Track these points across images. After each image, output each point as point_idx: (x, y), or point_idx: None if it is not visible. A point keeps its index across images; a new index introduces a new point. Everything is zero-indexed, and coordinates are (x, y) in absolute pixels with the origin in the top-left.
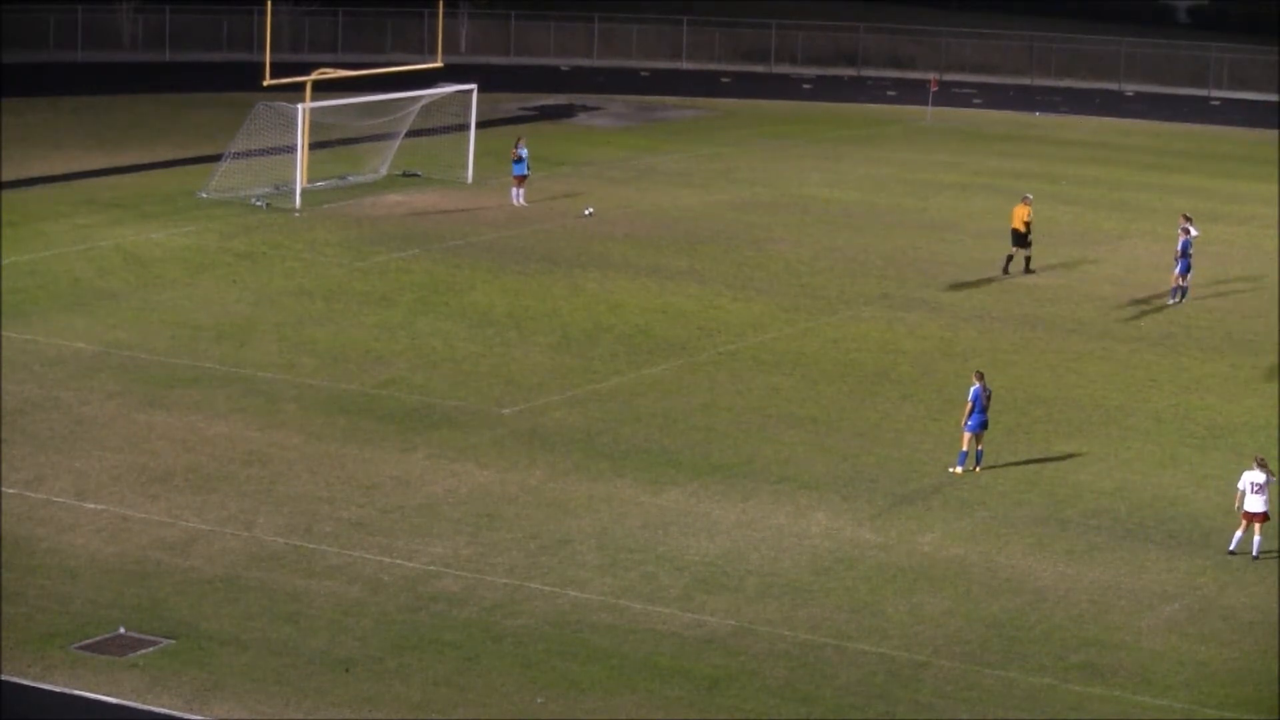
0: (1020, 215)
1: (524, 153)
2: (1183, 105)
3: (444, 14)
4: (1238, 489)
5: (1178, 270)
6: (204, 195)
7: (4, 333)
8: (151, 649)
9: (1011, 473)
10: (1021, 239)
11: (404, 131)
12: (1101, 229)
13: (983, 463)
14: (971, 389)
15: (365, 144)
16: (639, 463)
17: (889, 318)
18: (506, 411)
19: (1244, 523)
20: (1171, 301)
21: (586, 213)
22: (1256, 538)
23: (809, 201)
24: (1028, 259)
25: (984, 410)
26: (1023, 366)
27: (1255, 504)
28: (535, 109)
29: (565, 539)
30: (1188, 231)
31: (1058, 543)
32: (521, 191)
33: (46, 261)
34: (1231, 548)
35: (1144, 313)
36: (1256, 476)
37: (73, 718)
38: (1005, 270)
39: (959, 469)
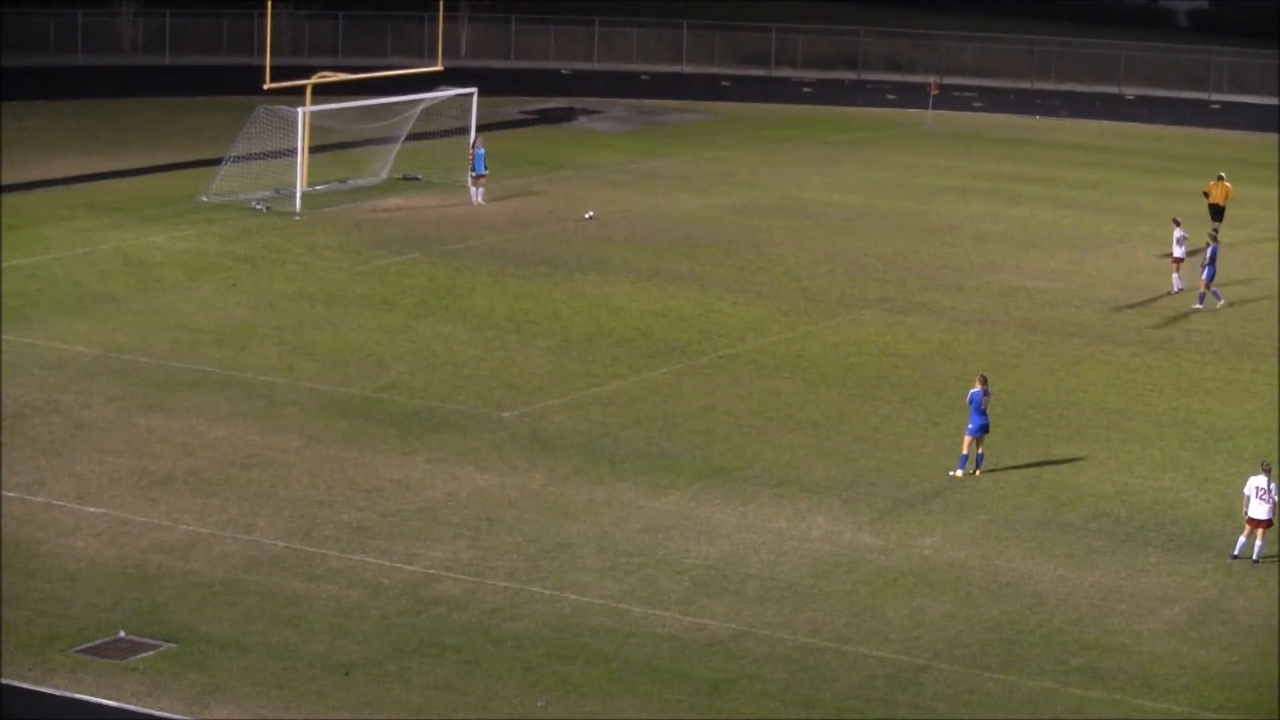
0: (1223, 192)
1: (481, 152)
2: (1183, 109)
3: (444, 18)
4: (1244, 494)
5: (1204, 276)
6: (204, 199)
7: (4, 336)
8: (151, 652)
9: (1012, 476)
10: (1220, 213)
11: (404, 135)
12: (1101, 232)
13: (983, 466)
14: (970, 391)
15: (365, 147)
16: (639, 466)
17: (889, 321)
18: (507, 415)
19: (1247, 528)
20: (1198, 306)
21: (587, 216)
22: (1258, 543)
23: (809, 205)
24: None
25: (983, 413)
26: (1023, 370)
27: (1260, 510)
28: (536, 113)
29: (565, 542)
30: (1215, 238)
31: (1058, 546)
32: (480, 190)
33: (47, 265)
34: (1235, 553)
35: (1144, 316)
36: (1262, 481)
37: None
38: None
39: (959, 472)
